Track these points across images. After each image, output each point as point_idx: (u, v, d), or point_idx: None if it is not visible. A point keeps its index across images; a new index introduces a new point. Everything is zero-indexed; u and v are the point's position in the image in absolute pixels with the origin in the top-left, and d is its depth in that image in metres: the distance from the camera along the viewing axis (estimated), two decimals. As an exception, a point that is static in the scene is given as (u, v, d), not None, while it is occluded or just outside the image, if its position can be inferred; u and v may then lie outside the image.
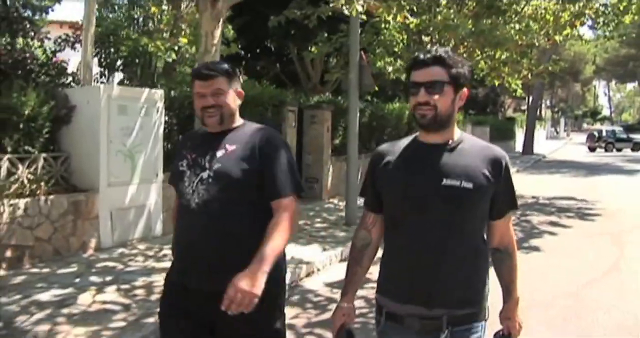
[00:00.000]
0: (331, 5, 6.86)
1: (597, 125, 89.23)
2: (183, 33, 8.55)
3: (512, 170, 16.81)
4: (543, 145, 37.75)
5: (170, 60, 8.18)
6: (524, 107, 43.76)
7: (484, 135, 24.20)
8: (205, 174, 2.23)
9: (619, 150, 36.36)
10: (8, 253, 5.61)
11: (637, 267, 6.52)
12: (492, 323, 2.05)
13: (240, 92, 2.35)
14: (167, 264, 2.47)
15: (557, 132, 59.94)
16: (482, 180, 1.92)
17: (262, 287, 1.99)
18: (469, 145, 1.99)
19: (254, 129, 2.32)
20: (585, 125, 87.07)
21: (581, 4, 11.30)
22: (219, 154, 2.25)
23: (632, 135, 38.50)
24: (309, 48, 12.67)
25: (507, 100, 42.17)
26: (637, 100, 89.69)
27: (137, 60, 7.98)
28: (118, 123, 6.55)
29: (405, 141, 2.09)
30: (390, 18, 9.11)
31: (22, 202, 5.73)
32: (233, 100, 2.30)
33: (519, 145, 33.50)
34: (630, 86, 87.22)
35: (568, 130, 65.96)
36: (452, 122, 1.98)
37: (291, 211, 2.22)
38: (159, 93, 7.11)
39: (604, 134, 38.12)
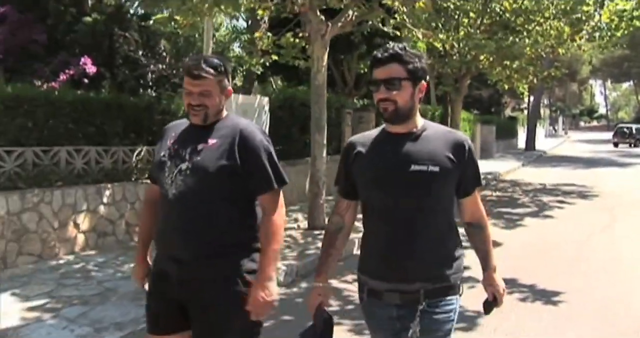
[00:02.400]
0: (389, 30, 9.17)
1: (594, 123, 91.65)
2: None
3: (517, 164, 19.35)
4: (543, 142, 40.03)
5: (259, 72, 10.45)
6: (523, 106, 46.11)
7: (490, 133, 26.44)
8: (184, 166, 2.29)
9: None
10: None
11: (624, 226, 8.87)
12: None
13: (229, 90, 2.40)
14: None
15: (556, 130, 62.13)
16: (447, 163, 2.05)
17: (275, 292, 2.24)
18: (432, 132, 2.14)
19: (235, 123, 2.36)
20: (582, 124, 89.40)
21: (580, 20, 13.58)
22: (200, 147, 2.30)
23: None
24: (352, 58, 15.00)
25: (507, 100, 44.44)
26: (633, 99, 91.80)
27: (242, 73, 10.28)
28: (242, 123, 8.85)
29: (374, 132, 2.23)
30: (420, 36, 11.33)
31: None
32: (219, 100, 2.35)
33: (520, 143, 35.90)
34: (625, 85, 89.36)
35: (566, 128, 68.24)
36: (414, 113, 2.12)
37: (279, 206, 2.33)
38: (265, 99, 9.41)
39: (634, 131, 39.66)
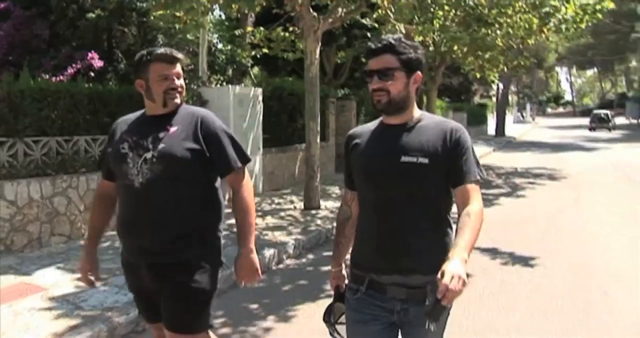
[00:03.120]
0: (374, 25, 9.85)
1: (560, 109, 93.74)
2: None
3: (488, 149, 20.28)
4: (511, 128, 41.27)
5: (249, 65, 11.07)
6: (491, 93, 47.33)
7: (462, 120, 27.42)
8: (149, 155, 2.35)
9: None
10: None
11: (588, 202, 9.80)
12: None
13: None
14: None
15: (523, 117, 63.69)
16: (437, 154, 2.02)
17: (257, 261, 2.43)
18: (427, 122, 2.12)
19: (192, 111, 2.48)
20: (549, 110, 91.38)
21: (548, 14, 14.43)
22: (161, 134, 2.37)
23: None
24: (331, 49, 15.65)
25: (476, 87, 45.56)
26: (597, 86, 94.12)
27: (233, 66, 10.89)
28: (238, 112, 9.47)
29: (372, 124, 2.25)
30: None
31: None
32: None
33: (490, 129, 37.06)
34: (590, 72, 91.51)
35: (533, 114, 69.94)
36: (409, 104, 2.11)
37: (247, 182, 2.47)
38: (259, 90, 10.05)
39: (610, 116, 42.03)
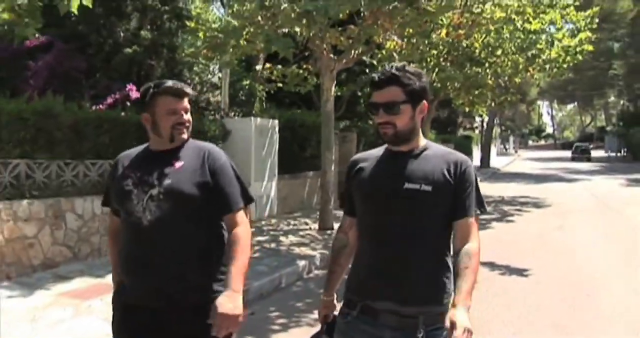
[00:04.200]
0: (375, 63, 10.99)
1: (542, 142, 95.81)
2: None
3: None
4: (495, 160, 42.68)
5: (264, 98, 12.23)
6: (475, 125, 48.90)
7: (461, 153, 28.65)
8: (154, 191, 2.26)
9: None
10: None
11: (572, 226, 10.88)
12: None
13: None
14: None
15: (506, 149, 65.36)
16: (441, 183, 2.02)
17: (241, 305, 2.14)
18: (433, 151, 2.12)
19: (198, 146, 2.39)
20: (530, 142, 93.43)
21: (535, 56, 15.73)
22: (167, 170, 2.29)
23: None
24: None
25: (461, 120, 47.10)
26: (577, 119, 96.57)
27: (252, 99, 12.00)
28: (259, 141, 10.50)
29: (377, 150, 2.23)
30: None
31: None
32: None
33: (475, 160, 38.37)
34: (570, 106, 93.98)
35: (516, 147, 71.73)
36: (415, 134, 2.10)
37: (246, 224, 2.32)
38: (275, 121, 11.10)
39: (589, 148, 49.35)
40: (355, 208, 2.22)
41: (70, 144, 7.24)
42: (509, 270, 7.09)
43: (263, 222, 10.16)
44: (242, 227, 2.30)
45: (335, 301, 2.32)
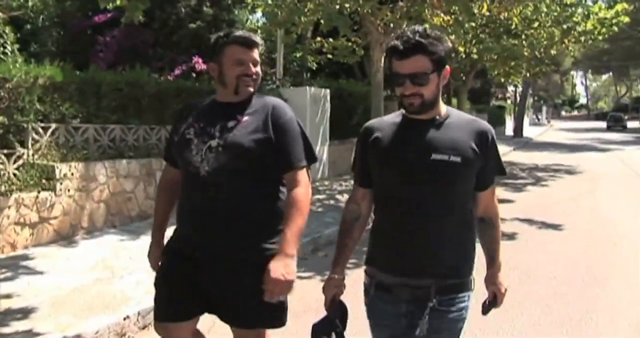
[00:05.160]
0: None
1: (575, 112, 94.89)
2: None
3: (509, 148, 22.16)
4: (528, 130, 42.94)
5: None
6: (507, 95, 49.02)
7: (484, 120, 29.24)
8: (214, 143, 2.23)
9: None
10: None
11: (602, 191, 11.65)
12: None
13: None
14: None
15: (539, 119, 65.20)
16: (469, 154, 1.95)
17: (294, 271, 2.11)
18: (456, 119, 2.03)
19: (265, 101, 2.33)
20: (563, 113, 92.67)
21: (570, 28, 16.22)
22: (230, 124, 2.26)
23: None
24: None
25: (495, 90, 47.30)
26: (612, 90, 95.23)
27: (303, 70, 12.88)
28: (313, 109, 11.39)
29: (393, 117, 2.12)
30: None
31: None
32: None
33: (508, 130, 38.81)
34: (605, 76, 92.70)
35: (549, 117, 71.43)
36: (438, 101, 2.00)
37: (306, 184, 2.26)
38: (327, 91, 11.95)
39: (623, 117, 52.24)
40: (369, 179, 2.12)
41: (154, 110, 8.21)
42: (545, 226, 7.95)
43: (317, 183, 11.11)
44: (302, 187, 2.25)
45: (344, 279, 2.18)
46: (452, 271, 2.02)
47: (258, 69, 2.32)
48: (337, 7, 9.63)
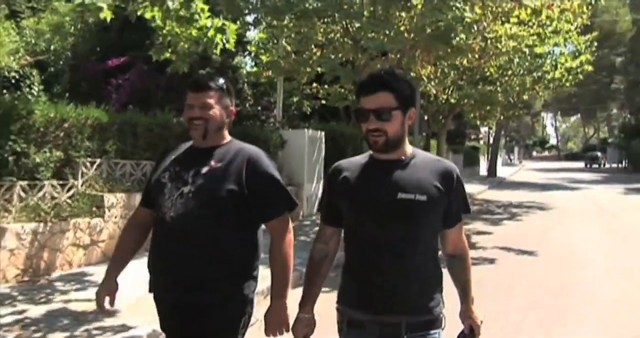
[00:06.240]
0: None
1: (546, 153, 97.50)
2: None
3: (484, 187, 23.50)
4: (501, 170, 44.51)
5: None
6: (480, 136, 50.82)
7: (459, 161, 30.68)
8: (186, 189, 2.23)
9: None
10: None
11: (572, 224, 12.89)
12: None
13: (232, 110, 2.36)
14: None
15: (511, 160, 67.23)
16: (434, 192, 2.00)
17: (288, 318, 2.23)
18: (421, 159, 2.08)
19: (241, 148, 2.31)
20: (534, 153, 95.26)
21: (540, 77, 17.75)
22: (204, 170, 2.24)
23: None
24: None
25: (469, 131, 49.10)
26: (581, 131, 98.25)
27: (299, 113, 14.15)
28: (310, 149, 12.53)
29: (361, 158, 2.15)
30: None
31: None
32: (220, 115, 2.29)
33: (482, 170, 40.38)
34: (573, 118, 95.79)
35: (520, 157, 73.61)
36: (403, 141, 2.04)
37: (286, 232, 2.29)
38: (322, 133, 13.14)
39: (599, 155, 56.77)
40: (337, 218, 2.15)
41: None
42: (519, 253, 9.12)
43: (314, 217, 12.16)
44: (285, 238, 2.29)
45: (315, 317, 2.21)
46: (422, 308, 2.04)
47: (212, 111, 2.28)
48: (339, 59, 10.91)
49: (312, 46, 11.68)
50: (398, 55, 11.04)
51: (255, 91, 13.63)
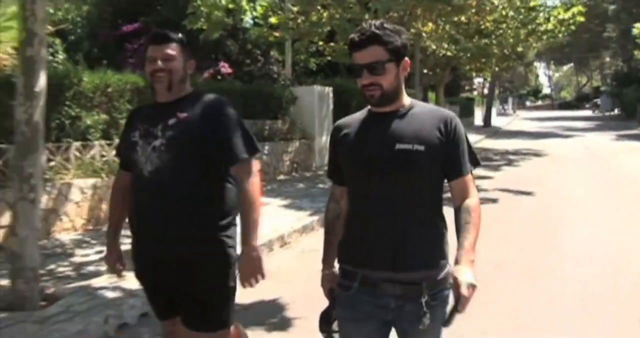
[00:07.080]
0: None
1: (539, 102, 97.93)
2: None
3: (481, 137, 24.45)
4: (496, 120, 45.30)
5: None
6: (474, 87, 51.37)
7: (455, 112, 31.05)
8: (157, 142, 2.27)
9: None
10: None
11: (566, 170, 13.86)
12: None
13: (192, 63, 2.41)
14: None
15: (505, 110, 67.74)
16: (433, 142, 1.96)
17: (262, 261, 2.26)
18: (419, 110, 2.05)
19: (204, 97, 2.36)
20: (528, 103, 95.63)
21: (534, 29, 18.44)
22: (171, 122, 2.28)
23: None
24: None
25: (464, 83, 49.65)
26: (574, 80, 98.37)
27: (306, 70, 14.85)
28: (319, 104, 13.32)
29: (360, 114, 2.14)
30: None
31: (286, 143, 12.44)
32: (183, 67, 2.34)
33: (477, 120, 41.18)
34: (566, 67, 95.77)
35: (514, 107, 74.10)
36: (399, 92, 2.02)
37: (254, 175, 2.31)
38: (330, 89, 13.91)
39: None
40: (343, 176, 2.14)
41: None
42: (520, 192, 10.11)
43: (326, 168, 13.00)
44: (249, 179, 2.31)
45: (336, 272, 2.21)
46: (434, 263, 2.01)
47: (175, 63, 2.33)
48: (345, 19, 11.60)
49: (318, 7, 12.32)
50: (402, 13, 11.77)
51: (260, 50, 14.32)
